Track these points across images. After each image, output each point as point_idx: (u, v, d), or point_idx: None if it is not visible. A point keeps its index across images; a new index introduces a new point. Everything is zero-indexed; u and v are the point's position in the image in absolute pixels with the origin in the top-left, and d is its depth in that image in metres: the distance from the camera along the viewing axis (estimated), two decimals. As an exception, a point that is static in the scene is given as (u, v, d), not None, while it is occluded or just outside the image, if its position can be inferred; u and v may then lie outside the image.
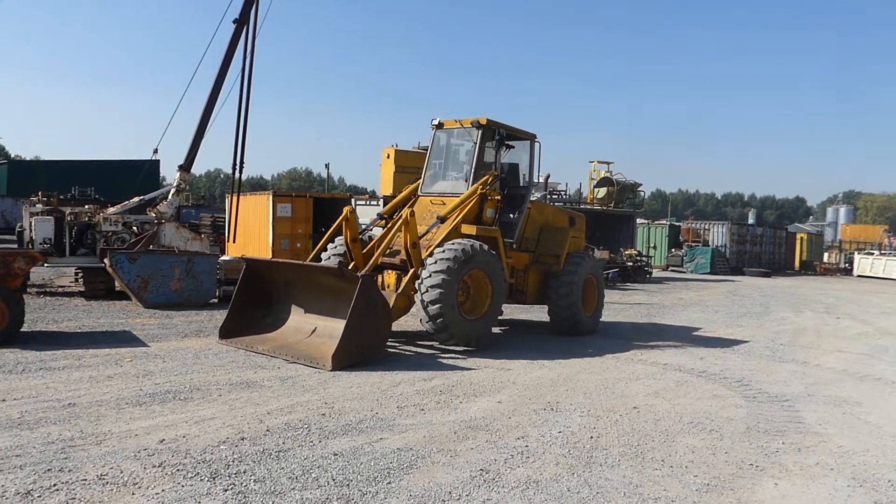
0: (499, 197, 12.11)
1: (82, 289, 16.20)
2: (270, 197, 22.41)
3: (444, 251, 10.54)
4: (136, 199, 20.42)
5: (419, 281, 10.49)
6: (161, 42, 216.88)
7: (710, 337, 14.01)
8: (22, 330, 10.52)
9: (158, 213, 19.89)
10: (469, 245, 10.69)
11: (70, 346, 10.00)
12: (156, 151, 21.89)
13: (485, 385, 8.72)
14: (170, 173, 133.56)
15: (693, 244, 43.19)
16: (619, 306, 19.54)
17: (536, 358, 10.75)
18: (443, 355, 10.53)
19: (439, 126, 12.96)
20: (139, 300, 14.62)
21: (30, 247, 16.19)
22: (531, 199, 13.25)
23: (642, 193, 38.59)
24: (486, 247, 10.98)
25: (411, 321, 13.53)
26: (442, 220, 11.50)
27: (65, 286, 17.55)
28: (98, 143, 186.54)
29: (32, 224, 16.30)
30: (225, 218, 27.13)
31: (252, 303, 11.06)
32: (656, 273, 36.86)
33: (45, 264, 15.63)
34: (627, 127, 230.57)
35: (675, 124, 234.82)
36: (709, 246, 42.63)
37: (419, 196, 12.79)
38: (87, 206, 18.28)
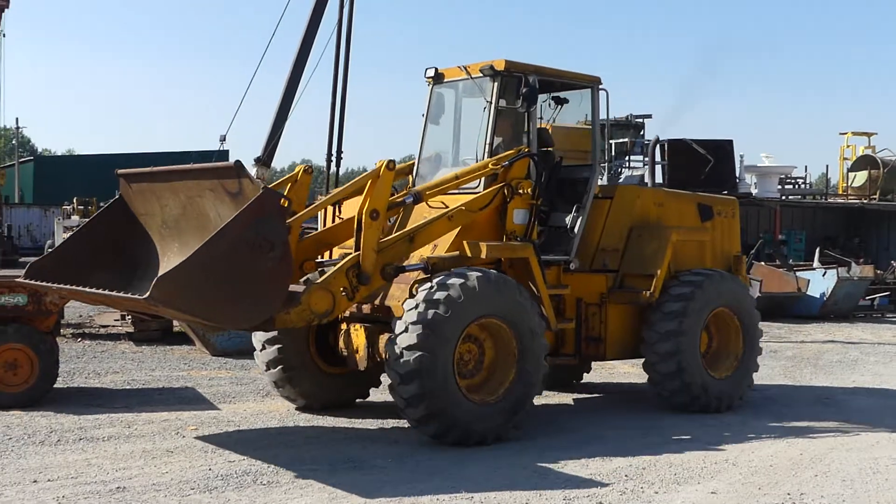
0: (532, 189, 10.64)
1: (131, 329, 16.97)
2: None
3: (428, 291, 9.17)
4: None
5: (389, 340, 9.17)
6: (226, 3, 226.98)
7: None
8: (56, 386, 11.07)
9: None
10: (474, 277, 9.25)
11: (117, 409, 10.55)
12: (223, 140, 22.97)
13: None
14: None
15: None
16: (893, 349, 18.59)
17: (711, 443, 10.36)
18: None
19: (437, 78, 11.54)
20: (205, 345, 15.18)
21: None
22: (606, 181, 11.98)
23: (925, 178, 36.68)
24: (506, 278, 9.70)
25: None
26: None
27: (108, 325, 18.45)
28: (149, 132, 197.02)
29: (67, 242, 17.30)
30: (317, 228, 27.83)
31: (99, 253, 9.84)
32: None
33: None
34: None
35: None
36: None
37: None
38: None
